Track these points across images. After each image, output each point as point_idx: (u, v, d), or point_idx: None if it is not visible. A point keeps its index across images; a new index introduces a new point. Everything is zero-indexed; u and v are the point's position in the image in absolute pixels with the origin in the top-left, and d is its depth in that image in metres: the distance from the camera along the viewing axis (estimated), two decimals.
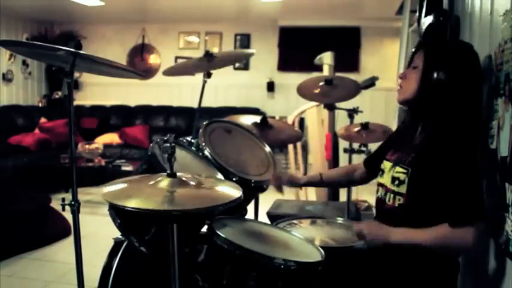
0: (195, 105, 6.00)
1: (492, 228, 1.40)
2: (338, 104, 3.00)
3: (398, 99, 1.56)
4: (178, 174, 1.35)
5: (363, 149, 2.92)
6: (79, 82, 7.35)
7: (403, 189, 1.47)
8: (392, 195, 1.51)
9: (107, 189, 1.31)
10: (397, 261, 1.47)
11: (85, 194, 4.86)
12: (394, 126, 3.66)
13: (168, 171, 1.34)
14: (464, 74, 1.43)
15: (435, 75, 1.42)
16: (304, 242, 1.72)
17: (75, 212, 1.60)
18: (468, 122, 1.42)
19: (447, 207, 1.34)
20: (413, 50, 1.57)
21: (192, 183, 1.35)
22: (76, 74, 3.70)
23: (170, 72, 2.70)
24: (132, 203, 1.22)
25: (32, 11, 6.53)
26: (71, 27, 7.21)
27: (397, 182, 1.50)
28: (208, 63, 2.52)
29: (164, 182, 1.32)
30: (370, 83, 3.58)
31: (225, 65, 2.88)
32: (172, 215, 1.26)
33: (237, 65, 7.07)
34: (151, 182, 1.33)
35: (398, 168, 1.50)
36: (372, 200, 2.18)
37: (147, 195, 1.29)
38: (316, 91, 2.69)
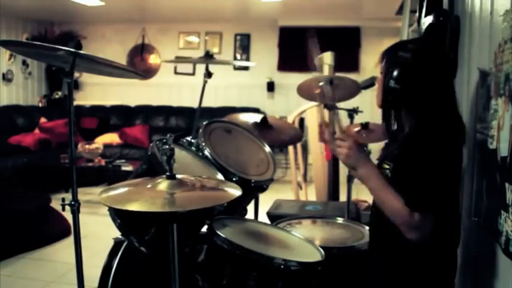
0: (195, 105, 6.01)
1: (492, 228, 1.40)
2: (338, 104, 2.99)
3: (376, 103, 1.59)
4: (177, 176, 1.35)
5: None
6: (79, 82, 7.35)
7: None
8: None
9: (106, 194, 1.31)
10: (396, 261, 1.47)
11: (85, 194, 4.86)
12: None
13: (168, 173, 1.34)
14: (419, 75, 1.42)
15: (390, 83, 1.43)
16: (304, 242, 1.72)
17: (75, 212, 1.60)
18: (436, 120, 1.41)
19: (407, 189, 1.34)
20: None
21: (191, 184, 1.35)
22: (76, 74, 3.70)
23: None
24: (133, 206, 1.22)
25: (32, 11, 6.53)
26: (71, 27, 7.21)
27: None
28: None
29: (164, 184, 1.32)
30: (370, 83, 3.58)
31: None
32: (173, 215, 1.26)
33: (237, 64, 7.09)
34: (151, 185, 1.33)
35: (384, 165, 1.52)
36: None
37: (147, 197, 1.29)
38: (317, 91, 2.69)
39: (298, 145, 4.77)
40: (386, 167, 1.51)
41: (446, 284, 1.47)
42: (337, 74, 3.70)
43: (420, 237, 1.33)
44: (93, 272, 1.82)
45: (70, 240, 2.94)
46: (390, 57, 1.49)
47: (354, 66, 6.61)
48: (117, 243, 1.86)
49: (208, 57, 2.55)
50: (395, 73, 1.42)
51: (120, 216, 1.57)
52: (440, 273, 1.45)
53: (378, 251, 1.54)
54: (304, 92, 2.65)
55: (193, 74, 7.15)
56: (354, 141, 1.51)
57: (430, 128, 1.40)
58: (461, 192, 1.69)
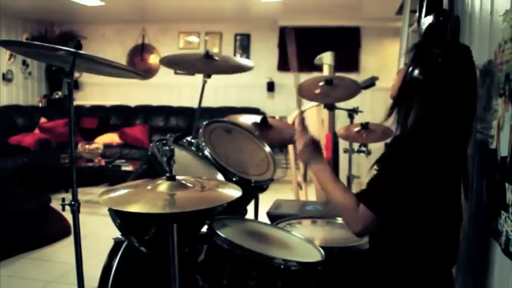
0: (195, 105, 6.00)
1: (492, 228, 1.40)
2: (338, 104, 3.00)
3: (390, 94, 1.57)
4: (177, 177, 1.34)
5: (363, 149, 2.92)
6: (79, 82, 7.35)
7: None
8: None
9: (106, 195, 1.30)
10: (394, 262, 1.47)
11: (85, 194, 4.86)
12: (393, 126, 3.66)
13: (168, 174, 1.34)
14: (444, 77, 1.39)
15: (414, 73, 1.41)
16: (304, 242, 1.72)
17: (75, 212, 1.60)
18: (439, 126, 1.39)
19: (368, 185, 1.39)
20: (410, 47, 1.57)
21: (191, 185, 1.35)
22: (76, 74, 3.70)
23: (168, 61, 2.61)
24: (133, 208, 1.22)
25: (32, 11, 6.53)
26: (71, 27, 7.21)
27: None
28: (207, 65, 2.49)
29: (164, 185, 1.32)
30: (370, 83, 3.59)
31: (225, 72, 2.83)
32: (173, 216, 1.26)
33: None
34: (151, 186, 1.33)
35: (375, 166, 1.52)
36: None
37: (148, 199, 1.29)
38: (316, 91, 2.69)
39: None
40: (376, 168, 1.50)
41: (444, 284, 1.47)
42: (337, 74, 3.71)
43: (360, 232, 1.37)
44: (93, 272, 1.83)
45: (70, 240, 2.95)
46: (421, 49, 1.47)
47: (354, 66, 6.61)
48: (117, 243, 1.86)
49: (208, 57, 2.54)
50: (422, 65, 1.40)
51: (120, 217, 1.57)
52: (437, 274, 1.45)
53: (377, 251, 1.54)
54: (304, 92, 2.65)
55: (193, 74, 7.15)
56: (311, 138, 1.61)
57: (432, 126, 1.39)
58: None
